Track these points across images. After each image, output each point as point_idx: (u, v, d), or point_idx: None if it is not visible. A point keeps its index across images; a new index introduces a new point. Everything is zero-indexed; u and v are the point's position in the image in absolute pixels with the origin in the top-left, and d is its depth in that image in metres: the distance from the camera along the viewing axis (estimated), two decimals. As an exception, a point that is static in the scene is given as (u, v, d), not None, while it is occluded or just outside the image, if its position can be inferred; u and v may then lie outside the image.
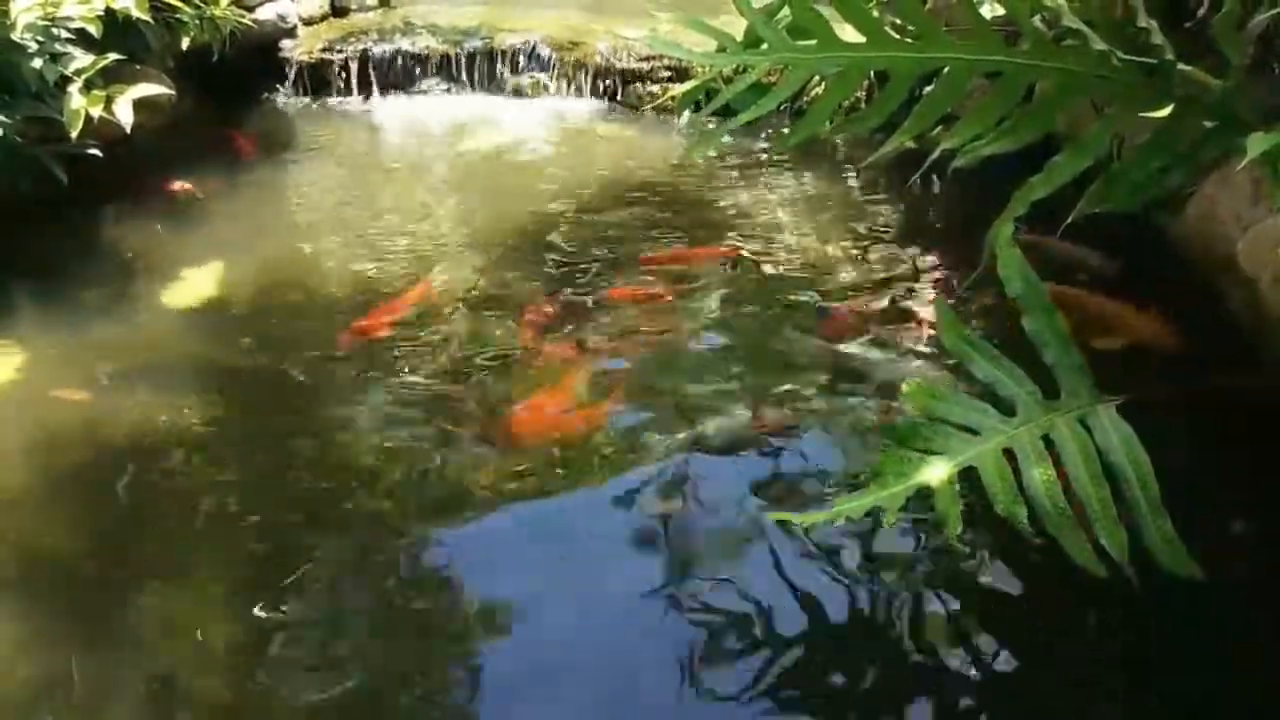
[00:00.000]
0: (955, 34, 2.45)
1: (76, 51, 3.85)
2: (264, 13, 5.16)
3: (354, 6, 5.67)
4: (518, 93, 5.23)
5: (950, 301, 2.96)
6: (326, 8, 5.57)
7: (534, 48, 5.23)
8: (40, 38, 3.77)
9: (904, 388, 2.29)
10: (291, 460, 2.71)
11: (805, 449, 2.68)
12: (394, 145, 4.88)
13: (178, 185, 4.12)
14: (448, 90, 5.29)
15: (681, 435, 2.70)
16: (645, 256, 3.60)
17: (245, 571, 2.35)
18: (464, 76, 5.28)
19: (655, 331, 3.19)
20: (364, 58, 5.27)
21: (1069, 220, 2.43)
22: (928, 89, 2.61)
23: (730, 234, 3.81)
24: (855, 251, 3.67)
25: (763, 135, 4.70)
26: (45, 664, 2.11)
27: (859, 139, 4.31)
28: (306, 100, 5.27)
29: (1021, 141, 2.49)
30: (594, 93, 5.18)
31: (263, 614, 2.22)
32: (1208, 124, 2.32)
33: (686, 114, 4.93)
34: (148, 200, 4.03)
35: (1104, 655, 2.11)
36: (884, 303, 3.28)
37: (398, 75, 5.28)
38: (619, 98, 5.14)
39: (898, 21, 2.55)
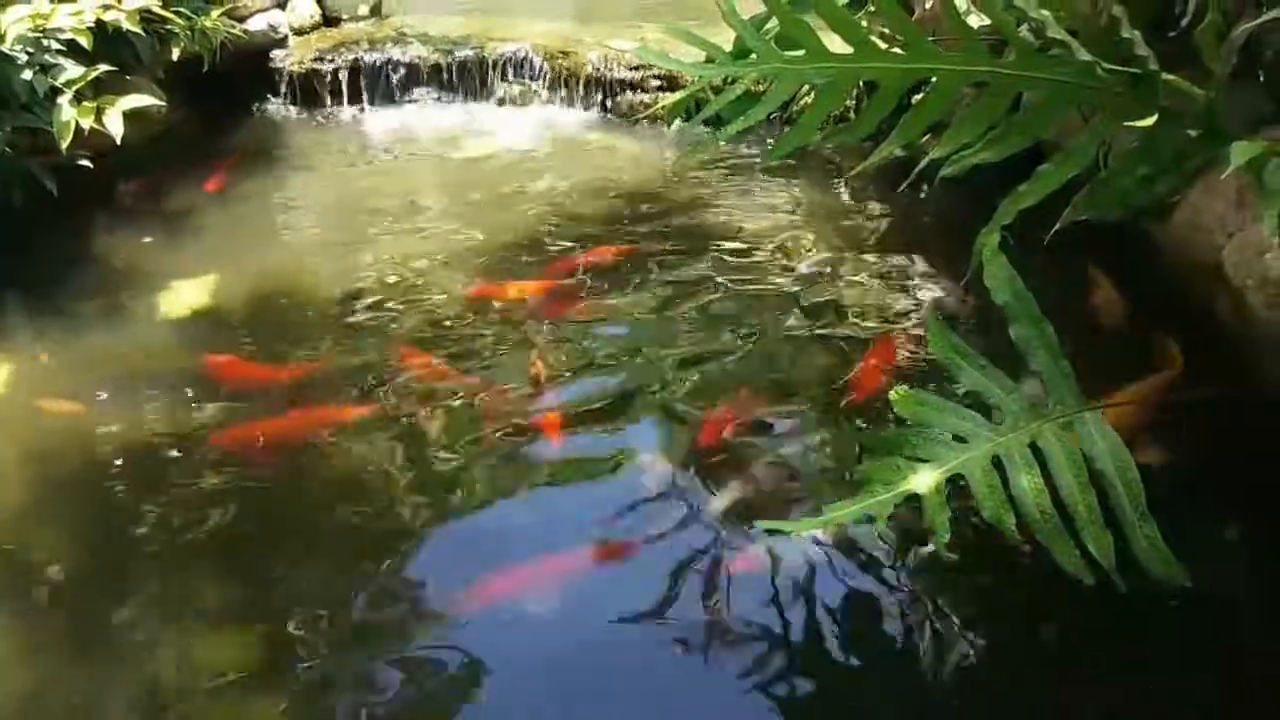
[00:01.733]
0: (942, 44, 2.47)
1: (67, 63, 3.86)
2: (255, 23, 5.18)
3: (345, 16, 5.68)
4: (509, 102, 5.25)
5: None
6: (318, 18, 5.58)
7: (525, 57, 5.24)
8: (30, 49, 3.78)
9: (893, 394, 2.30)
10: (284, 469, 2.71)
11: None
12: (385, 155, 4.88)
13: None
14: (439, 99, 5.31)
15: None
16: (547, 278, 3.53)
17: (237, 582, 2.35)
18: (455, 86, 5.29)
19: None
20: (355, 67, 5.28)
21: (1056, 228, 2.44)
22: (917, 98, 2.62)
23: (717, 240, 3.83)
24: (842, 259, 3.69)
25: (751, 143, 4.73)
26: (35, 676, 2.11)
27: (850, 147, 4.33)
28: (298, 110, 5.28)
29: (1009, 151, 2.50)
30: (585, 102, 5.20)
31: (255, 624, 2.22)
32: (1192, 132, 2.33)
33: (677, 123, 4.95)
34: (138, 211, 4.03)
35: (1094, 657, 2.12)
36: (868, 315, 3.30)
37: (389, 85, 5.30)
38: (609, 107, 5.16)
39: (885, 31, 2.57)
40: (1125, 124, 2.29)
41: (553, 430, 2.78)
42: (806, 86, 2.81)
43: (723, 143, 4.65)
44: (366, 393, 2.93)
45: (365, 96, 5.28)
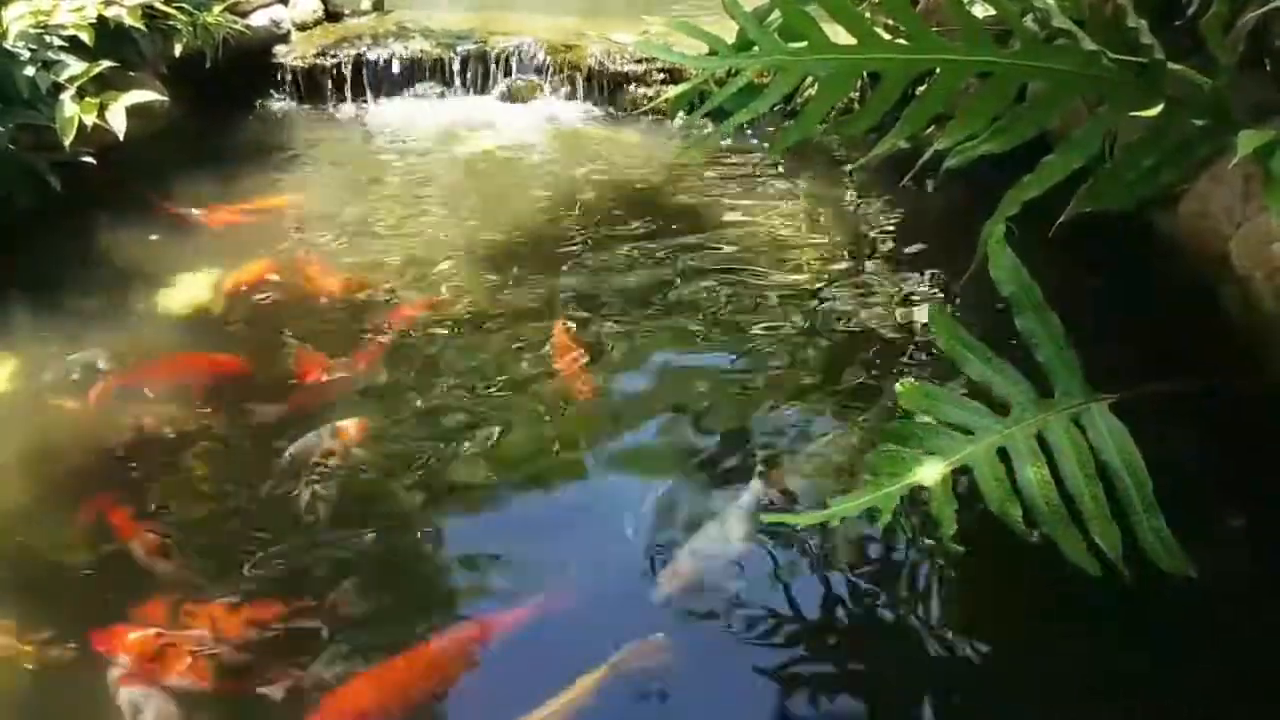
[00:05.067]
0: (946, 35, 2.45)
1: (69, 59, 3.86)
2: (257, 18, 5.17)
3: (347, 11, 5.68)
4: (511, 96, 5.23)
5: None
6: (320, 13, 5.58)
7: (527, 51, 5.23)
8: (33, 45, 3.78)
9: (899, 387, 2.29)
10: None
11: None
12: (388, 149, 4.87)
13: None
14: (441, 94, 5.30)
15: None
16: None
17: (240, 577, 2.35)
18: (457, 80, 5.28)
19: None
20: (358, 62, 5.28)
21: (1062, 219, 2.43)
22: (921, 89, 2.61)
23: (721, 235, 3.82)
24: (848, 252, 3.68)
25: (754, 136, 4.71)
26: (40, 671, 2.11)
27: (854, 139, 4.32)
28: (301, 105, 5.27)
29: (1014, 141, 2.49)
30: (587, 95, 5.19)
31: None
32: (1198, 122, 2.32)
33: (680, 116, 4.93)
34: (141, 207, 4.02)
35: (1096, 650, 2.12)
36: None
37: (391, 79, 5.29)
38: (612, 100, 5.15)
39: (889, 23, 2.55)
40: (1131, 114, 2.28)
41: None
42: (810, 78, 2.80)
43: (726, 136, 4.64)
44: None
45: (368, 91, 5.28)
